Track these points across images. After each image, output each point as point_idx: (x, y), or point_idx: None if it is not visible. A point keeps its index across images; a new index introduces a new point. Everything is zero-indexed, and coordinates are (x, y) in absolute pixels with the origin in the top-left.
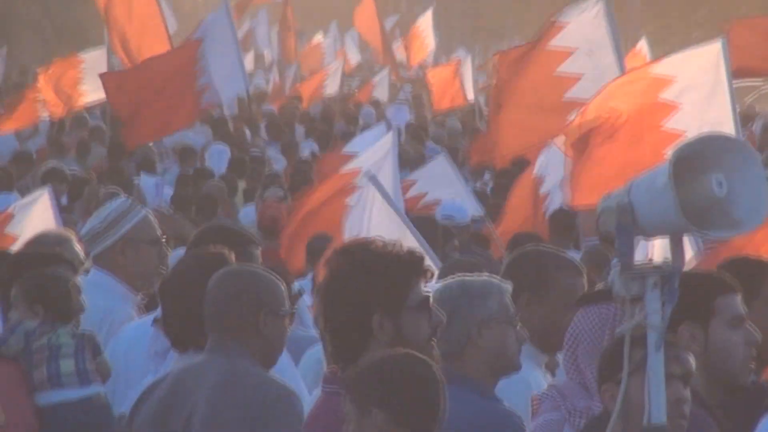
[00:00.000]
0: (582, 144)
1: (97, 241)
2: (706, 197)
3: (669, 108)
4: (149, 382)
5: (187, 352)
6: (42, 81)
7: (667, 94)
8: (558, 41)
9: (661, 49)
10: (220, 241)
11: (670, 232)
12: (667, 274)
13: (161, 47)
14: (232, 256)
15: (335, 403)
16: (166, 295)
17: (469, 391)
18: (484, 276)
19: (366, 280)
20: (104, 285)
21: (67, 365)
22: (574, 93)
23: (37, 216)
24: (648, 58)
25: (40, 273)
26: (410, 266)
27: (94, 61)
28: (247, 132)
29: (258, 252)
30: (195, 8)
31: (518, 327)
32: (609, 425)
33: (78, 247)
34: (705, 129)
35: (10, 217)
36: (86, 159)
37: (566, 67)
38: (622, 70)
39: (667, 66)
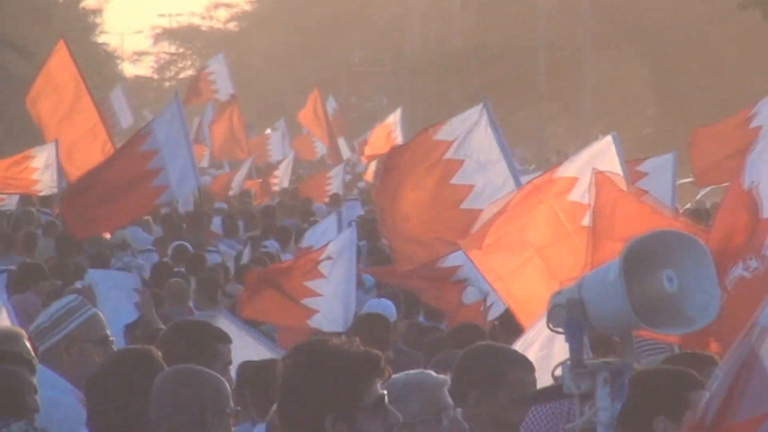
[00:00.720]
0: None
1: (44, 338)
2: (657, 293)
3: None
4: None
5: None
6: None
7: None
8: (450, 154)
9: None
10: (188, 337)
11: (620, 328)
12: (618, 370)
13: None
14: (158, 353)
15: None
16: (92, 392)
17: None
18: (405, 375)
19: (319, 380)
20: (50, 381)
21: None
22: (469, 203)
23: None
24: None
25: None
26: (365, 366)
27: (45, 157)
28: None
29: (228, 348)
30: (145, 102)
31: (452, 417)
32: None
33: (27, 344)
34: None
35: None
36: (33, 253)
37: (459, 179)
38: (515, 179)
39: (568, 167)
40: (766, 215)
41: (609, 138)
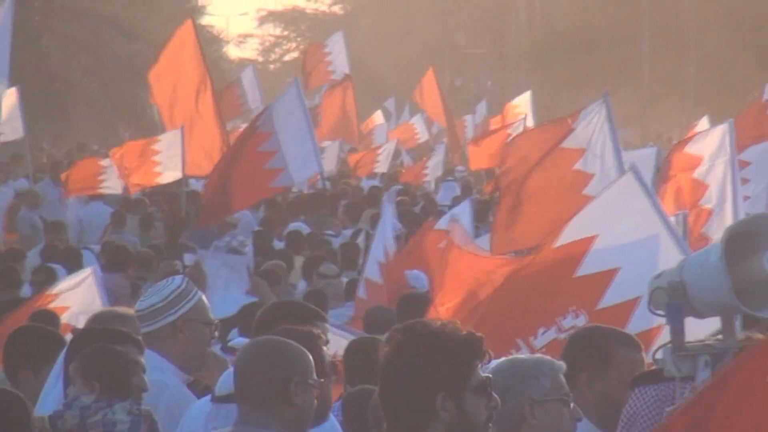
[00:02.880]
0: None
1: (157, 318)
2: (758, 276)
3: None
4: None
5: None
6: (116, 157)
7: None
8: (569, 142)
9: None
10: (286, 317)
11: (721, 311)
12: (719, 353)
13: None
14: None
15: None
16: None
17: None
18: (537, 355)
19: (431, 359)
20: (155, 363)
21: None
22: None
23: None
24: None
25: (96, 348)
26: (472, 347)
27: (169, 142)
28: None
29: (325, 326)
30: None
31: (572, 406)
32: None
33: (138, 325)
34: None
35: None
36: (148, 234)
37: (581, 165)
38: (620, 169)
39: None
40: (585, 272)
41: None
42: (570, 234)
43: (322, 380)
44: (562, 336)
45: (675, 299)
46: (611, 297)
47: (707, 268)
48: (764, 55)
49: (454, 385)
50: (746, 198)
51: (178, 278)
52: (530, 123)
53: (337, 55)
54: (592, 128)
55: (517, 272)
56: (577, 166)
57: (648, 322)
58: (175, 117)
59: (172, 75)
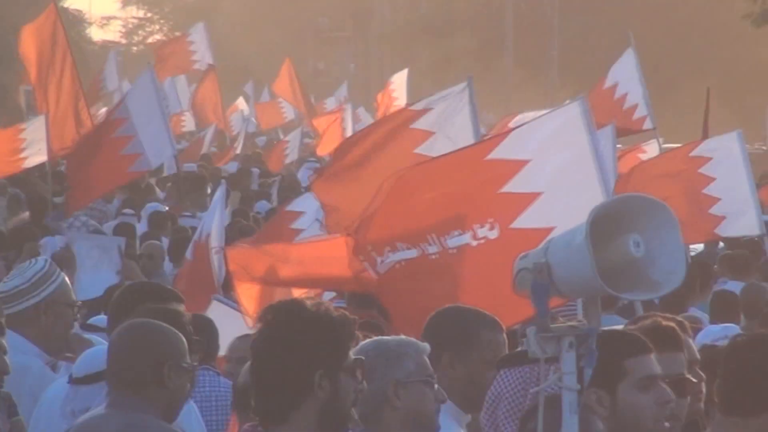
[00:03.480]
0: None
1: (20, 300)
2: (623, 258)
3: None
4: None
5: None
6: None
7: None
8: (418, 124)
9: None
10: (144, 298)
11: (586, 292)
12: (583, 334)
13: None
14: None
15: None
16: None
17: None
18: (401, 336)
19: (311, 338)
20: (18, 345)
21: None
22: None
23: None
24: None
25: None
26: (348, 328)
27: (34, 128)
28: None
29: (182, 308)
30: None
31: (436, 387)
32: None
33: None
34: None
35: None
36: (17, 216)
37: (425, 149)
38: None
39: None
40: (518, 190)
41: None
42: (504, 151)
43: (195, 364)
44: (475, 243)
45: (540, 280)
46: (527, 220)
47: (572, 249)
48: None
49: (332, 363)
50: (716, 200)
51: (41, 260)
52: (402, 102)
53: (200, 45)
54: (449, 111)
55: (440, 167)
56: (419, 149)
57: None
58: (48, 99)
59: (39, 58)
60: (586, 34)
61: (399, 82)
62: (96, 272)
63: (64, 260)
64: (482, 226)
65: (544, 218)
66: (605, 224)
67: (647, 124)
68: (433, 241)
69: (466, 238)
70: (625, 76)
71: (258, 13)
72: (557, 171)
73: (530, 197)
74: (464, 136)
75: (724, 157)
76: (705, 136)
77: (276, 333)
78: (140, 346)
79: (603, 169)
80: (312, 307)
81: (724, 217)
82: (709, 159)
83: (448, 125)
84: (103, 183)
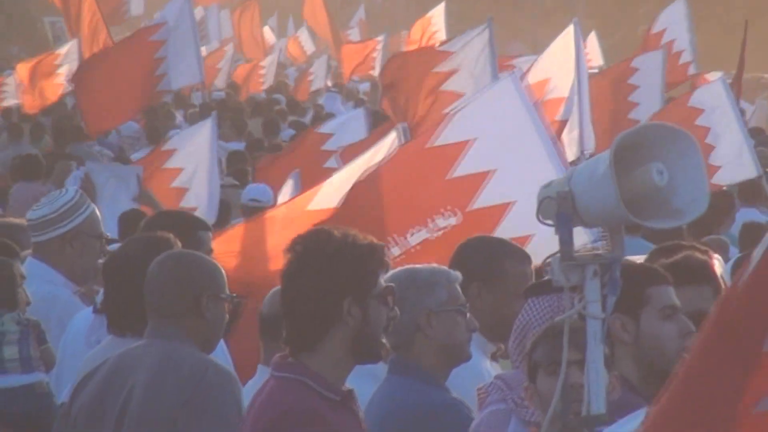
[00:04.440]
0: None
1: (47, 230)
2: (647, 186)
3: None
4: (87, 368)
5: (124, 336)
6: (19, 74)
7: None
8: (443, 66)
9: (608, 42)
10: (170, 226)
11: (609, 221)
12: (607, 263)
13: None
14: (178, 241)
15: (286, 390)
16: (109, 277)
17: (416, 380)
18: (432, 265)
19: (339, 266)
20: (45, 275)
21: (11, 352)
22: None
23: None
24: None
25: None
26: (376, 255)
27: (68, 54)
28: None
29: (209, 236)
30: None
31: (468, 316)
32: (547, 414)
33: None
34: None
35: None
36: (40, 144)
37: (449, 85)
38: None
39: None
40: (468, 171)
41: (570, 27)
42: (445, 136)
43: (234, 295)
44: (435, 235)
45: (564, 209)
46: (484, 198)
47: (596, 179)
48: None
49: (361, 291)
50: (634, 105)
51: (72, 190)
52: (442, 36)
53: None
54: (470, 51)
55: (386, 169)
56: (447, 86)
57: (517, 230)
58: (79, 24)
59: None
60: None
61: (438, 16)
62: (114, 203)
63: (84, 191)
64: (440, 216)
65: (503, 194)
66: (628, 153)
67: (691, 70)
68: (395, 242)
69: (424, 233)
70: (674, 21)
71: None
72: (504, 147)
73: (483, 176)
74: (484, 77)
75: (715, 105)
76: (740, 71)
77: (303, 263)
78: (179, 278)
79: (548, 142)
80: (339, 235)
81: (720, 167)
82: (702, 110)
83: (472, 63)
84: (138, 102)
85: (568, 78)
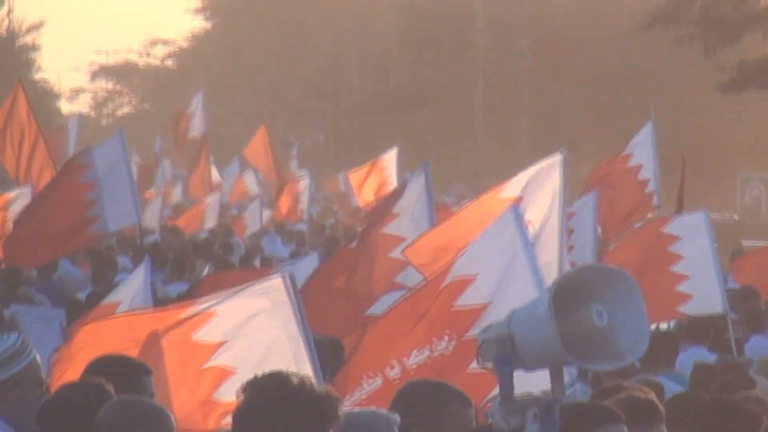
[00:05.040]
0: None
1: None
2: (587, 328)
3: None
4: None
5: None
6: None
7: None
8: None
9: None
10: (113, 371)
11: (550, 362)
12: (547, 405)
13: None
14: (110, 387)
15: None
16: (46, 423)
17: None
18: (372, 408)
19: (283, 418)
20: None
21: None
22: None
23: None
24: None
25: None
26: (325, 410)
27: (21, 197)
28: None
29: (151, 380)
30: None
31: None
32: None
33: None
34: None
35: None
36: None
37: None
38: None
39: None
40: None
41: (558, 157)
42: (456, 271)
43: None
44: (434, 355)
45: (503, 351)
46: (476, 327)
47: (536, 320)
48: (598, 108)
49: None
50: (571, 248)
51: (14, 336)
52: (393, 180)
53: (196, 114)
54: (411, 195)
55: (405, 301)
56: (387, 229)
57: None
58: (21, 176)
59: (10, 134)
60: (556, 105)
61: (390, 160)
62: (39, 346)
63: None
64: (440, 341)
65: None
66: (568, 294)
67: (654, 201)
68: (396, 364)
69: (425, 354)
70: (642, 148)
71: (228, 85)
72: (500, 282)
73: (480, 308)
74: (422, 218)
75: (693, 236)
76: (680, 207)
77: (249, 410)
78: (129, 427)
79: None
80: (292, 386)
81: (691, 296)
82: (677, 238)
83: (411, 207)
84: (66, 244)
85: (542, 208)
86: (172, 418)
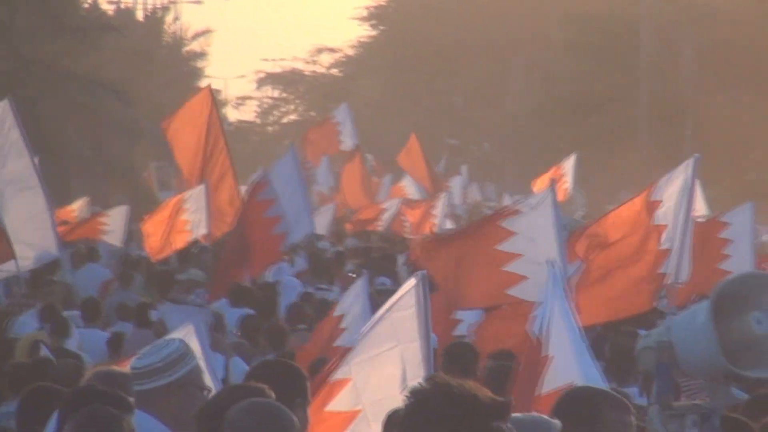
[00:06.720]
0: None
1: (153, 378)
2: (746, 335)
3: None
4: None
5: None
6: (149, 225)
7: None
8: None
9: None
10: (275, 376)
11: (709, 371)
12: (707, 412)
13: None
14: (272, 393)
15: None
16: (203, 424)
17: None
18: (533, 414)
19: (455, 419)
20: (147, 424)
21: None
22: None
23: None
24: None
25: (91, 411)
26: (495, 412)
27: (195, 199)
28: None
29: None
30: (248, 146)
31: None
32: None
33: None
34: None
35: None
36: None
37: (505, 246)
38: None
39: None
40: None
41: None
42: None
43: None
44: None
45: (663, 359)
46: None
47: (694, 329)
48: (763, 116)
49: None
50: (726, 257)
51: (177, 340)
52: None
53: (345, 126)
54: (535, 216)
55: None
56: (500, 246)
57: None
58: (195, 175)
59: (189, 136)
60: (721, 112)
61: (568, 166)
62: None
63: (158, 334)
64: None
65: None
66: (726, 303)
67: None
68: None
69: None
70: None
71: (393, 92)
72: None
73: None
74: (547, 239)
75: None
76: None
77: (419, 410)
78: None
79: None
80: (459, 389)
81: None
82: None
83: (531, 228)
84: (259, 263)
85: (676, 208)
86: (296, 421)
